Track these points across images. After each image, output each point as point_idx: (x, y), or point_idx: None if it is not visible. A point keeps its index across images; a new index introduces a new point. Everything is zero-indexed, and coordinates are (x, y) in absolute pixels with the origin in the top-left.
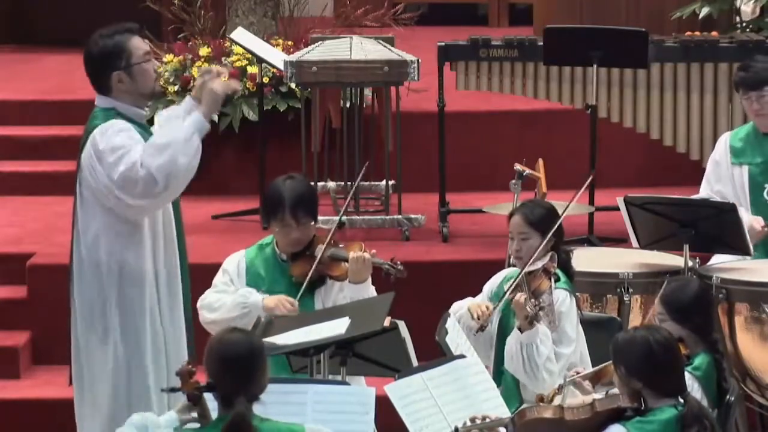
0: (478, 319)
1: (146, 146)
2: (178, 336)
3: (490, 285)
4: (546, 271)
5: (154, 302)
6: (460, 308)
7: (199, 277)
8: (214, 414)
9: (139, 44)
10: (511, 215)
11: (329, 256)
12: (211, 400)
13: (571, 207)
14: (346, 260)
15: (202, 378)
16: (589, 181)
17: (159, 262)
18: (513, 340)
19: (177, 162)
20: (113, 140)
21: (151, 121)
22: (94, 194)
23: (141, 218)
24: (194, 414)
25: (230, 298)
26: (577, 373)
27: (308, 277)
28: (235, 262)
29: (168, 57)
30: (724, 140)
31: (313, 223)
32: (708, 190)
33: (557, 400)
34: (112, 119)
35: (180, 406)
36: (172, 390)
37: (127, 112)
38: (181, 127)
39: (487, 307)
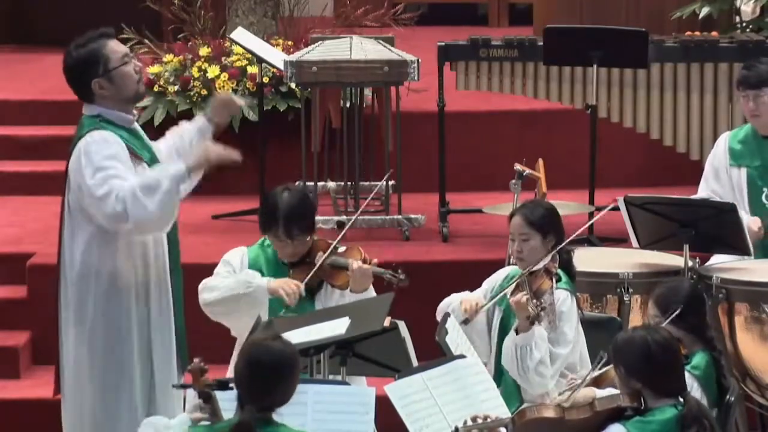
0: (466, 311)
1: (130, 187)
2: (167, 345)
3: (491, 282)
4: (547, 271)
5: (142, 311)
6: (452, 301)
7: (199, 278)
8: (227, 414)
9: (115, 48)
10: (511, 216)
11: (329, 265)
12: (232, 400)
13: (571, 207)
14: (345, 269)
15: (211, 376)
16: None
17: (148, 270)
18: (509, 340)
19: (147, 215)
20: (96, 160)
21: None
22: (79, 203)
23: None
24: (206, 413)
25: (234, 277)
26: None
27: (304, 283)
28: (238, 256)
29: (168, 57)
30: (724, 140)
31: (309, 237)
32: (707, 189)
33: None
34: (96, 126)
35: (191, 406)
36: (183, 387)
37: (112, 117)
38: (164, 180)
39: (477, 303)
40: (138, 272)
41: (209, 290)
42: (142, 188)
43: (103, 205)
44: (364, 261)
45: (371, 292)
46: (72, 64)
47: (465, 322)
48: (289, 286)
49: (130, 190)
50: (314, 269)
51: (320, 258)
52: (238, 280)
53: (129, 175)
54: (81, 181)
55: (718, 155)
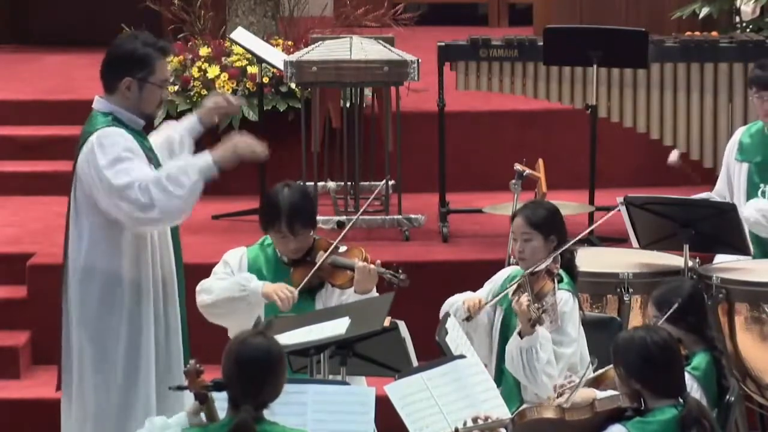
0: (469, 309)
1: (155, 176)
2: (173, 343)
3: (493, 283)
4: (549, 272)
5: (149, 309)
6: (456, 301)
7: (199, 278)
8: (222, 413)
9: (164, 68)
10: (513, 216)
11: (330, 264)
12: (223, 400)
13: (571, 207)
14: (349, 268)
15: (208, 377)
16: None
17: (154, 269)
18: (513, 344)
19: (175, 204)
20: (112, 152)
21: (148, 129)
22: (89, 201)
23: (140, 232)
24: (203, 415)
25: (229, 279)
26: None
27: (305, 282)
28: (237, 256)
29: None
30: (738, 134)
31: (311, 232)
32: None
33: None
34: (109, 124)
35: (190, 408)
36: (179, 388)
37: (124, 118)
38: (191, 170)
39: (480, 301)
40: (143, 272)
41: (206, 292)
42: (168, 177)
43: (126, 195)
44: (365, 261)
45: (374, 294)
46: (124, 51)
47: (468, 319)
48: (283, 292)
49: (155, 179)
50: (314, 269)
51: (321, 257)
52: (234, 282)
53: (146, 168)
54: (96, 173)
55: (728, 149)
